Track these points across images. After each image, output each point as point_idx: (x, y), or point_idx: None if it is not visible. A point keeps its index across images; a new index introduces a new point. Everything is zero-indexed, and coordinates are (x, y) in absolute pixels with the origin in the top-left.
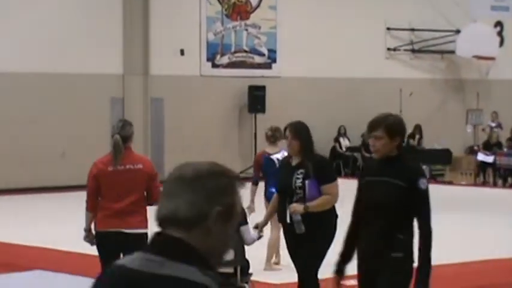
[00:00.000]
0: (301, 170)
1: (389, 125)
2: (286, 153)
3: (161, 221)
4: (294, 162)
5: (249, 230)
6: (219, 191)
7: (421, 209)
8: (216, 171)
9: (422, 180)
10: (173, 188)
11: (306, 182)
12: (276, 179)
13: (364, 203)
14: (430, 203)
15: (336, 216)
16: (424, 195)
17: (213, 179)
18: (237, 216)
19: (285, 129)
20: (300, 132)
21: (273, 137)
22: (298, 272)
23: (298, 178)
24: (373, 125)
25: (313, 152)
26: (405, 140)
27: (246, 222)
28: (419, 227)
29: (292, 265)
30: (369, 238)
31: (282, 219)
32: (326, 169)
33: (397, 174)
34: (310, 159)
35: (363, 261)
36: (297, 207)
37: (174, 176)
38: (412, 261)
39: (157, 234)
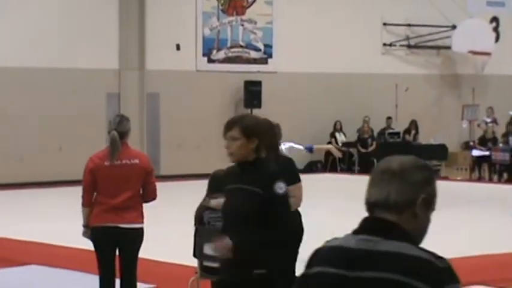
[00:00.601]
0: None
1: (246, 125)
2: (285, 147)
3: (372, 205)
4: None
5: None
6: (424, 181)
7: (278, 216)
8: (420, 165)
9: (279, 184)
10: (382, 178)
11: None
12: None
13: (224, 214)
14: (289, 210)
15: (300, 216)
16: (282, 201)
17: (418, 171)
18: (435, 205)
19: None
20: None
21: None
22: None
23: None
24: (229, 125)
25: (278, 153)
26: (262, 143)
27: None
28: (272, 235)
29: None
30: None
31: None
32: (291, 170)
33: (253, 180)
34: (275, 159)
35: (222, 279)
36: None
37: (382, 168)
38: (277, 278)
39: (367, 218)
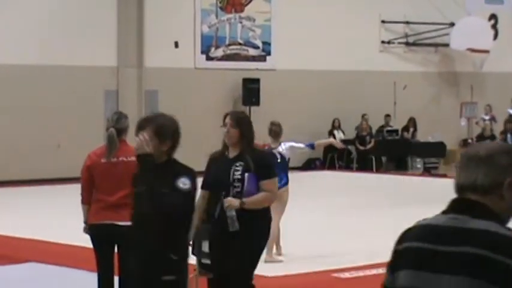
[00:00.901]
0: (240, 162)
1: (159, 126)
2: (285, 146)
3: (460, 188)
4: (232, 154)
5: None
6: (510, 165)
7: (181, 210)
8: (506, 150)
9: (182, 179)
10: (469, 164)
11: (246, 174)
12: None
13: (133, 217)
14: (193, 204)
15: (269, 212)
16: (184, 196)
17: (504, 156)
18: None
19: (225, 116)
20: (241, 121)
21: (275, 131)
22: (228, 274)
23: (237, 170)
24: (141, 124)
25: (252, 146)
26: (177, 145)
27: None
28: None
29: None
30: (138, 259)
31: (211, 214)
32: (267, 164)
33: (164, 180)
34: (249, 152)
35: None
36: (232, 201)
37: (469, 154)
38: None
39: (456, 199)
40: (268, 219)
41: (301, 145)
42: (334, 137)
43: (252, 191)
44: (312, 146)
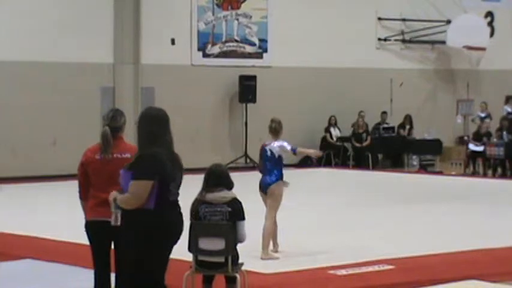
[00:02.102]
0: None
1: None
2: (277, 144)
3: None
4: None
5: (244, 227)
6: None
7: None
8: None
9: None
10: None
11: (121, 170)
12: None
13: None
14: None
15: (168, 224)
16: None
17: None
18: None
19: None
20: (139, 120)
21: (274, 128)
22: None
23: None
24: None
25: (147, 144)
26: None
27: (243, 218)
28: None
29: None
30: None
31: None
32: (140, 164)
33: None
34: (140, 151)
35: None
36: (112, 194)
37: None
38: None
39: None
40: (142, 223)
41: (289, 148)
42: (331, 135)
43: (126, 188)
44: (294, 151)
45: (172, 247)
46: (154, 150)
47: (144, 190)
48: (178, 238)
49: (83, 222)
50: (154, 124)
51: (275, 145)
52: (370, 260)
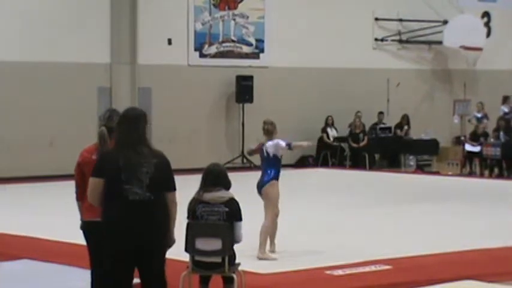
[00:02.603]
0: None
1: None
2: (271, 143)
3: None
4: None
5: (241, 228)
6: None
7: None
8: None
9: None
10: None
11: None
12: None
13: None
14: None
15: (107, 223)
16: None
17: None
18: None
19: None
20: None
21: (267, 130)
22: None
23: None
24: None
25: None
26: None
27: (240, 219)
28: None
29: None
30: None
31: None
32: (96, 163)
33: None
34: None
35: None
36: None
37: None
38: None
39: None
40: (103, 221)
41: (283, 144)
42: (328, 135)
43: None
44: (289, 146)
45: (123, 244)
46: (110, 148)
47: (91, 188)
48: (118, 238)
49: (79, 223)
50: (120, 124)
51: (269, 144)
52: (367, 260)
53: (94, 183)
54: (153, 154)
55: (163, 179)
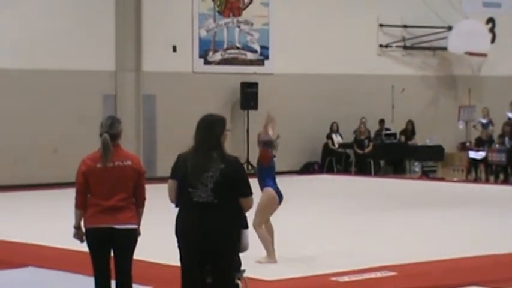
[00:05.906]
0: None
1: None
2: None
3: None
4: None
5: (248, 236)
6: None
7: None
8: None
9: None
10: None
11: None
12: None
13: None
14: None
15: (176, 223)
16: None
17: None
18: None
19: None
20: None
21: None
22: None
23: None
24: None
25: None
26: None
27: (247, 226)
28: None
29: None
30: None
31: None
32: (173, 164)
33: None
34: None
35: None
36: None
37: None
38: None
39: None
40: (176, 221)
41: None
42: (332, 141)
43: None
44: (270, 142)
45: (185, 247)
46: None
47: (169, 188)
48: (184, 239)
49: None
50: (197, 129)
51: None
52: (372, 266)
53: (170, 184)
54: (222, 159)
55: (230, 184)
